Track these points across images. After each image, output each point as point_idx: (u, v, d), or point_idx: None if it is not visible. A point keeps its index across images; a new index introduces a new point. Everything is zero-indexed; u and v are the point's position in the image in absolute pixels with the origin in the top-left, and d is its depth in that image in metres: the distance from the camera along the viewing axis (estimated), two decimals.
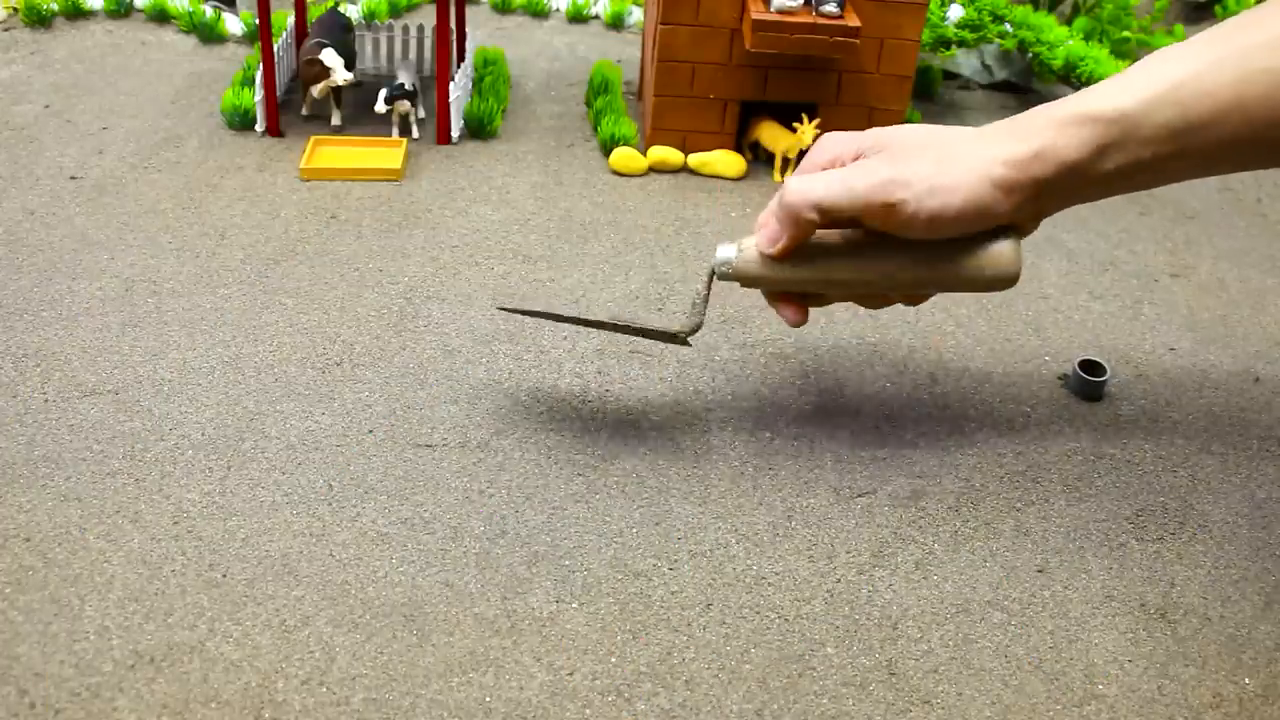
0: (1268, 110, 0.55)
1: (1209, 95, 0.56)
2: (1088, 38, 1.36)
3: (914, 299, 0.68)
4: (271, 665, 0.55)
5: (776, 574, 0.63)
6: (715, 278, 0.65)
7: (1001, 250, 0.61)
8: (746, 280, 0.65)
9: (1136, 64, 0.60)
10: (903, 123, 1.09)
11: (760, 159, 1.10)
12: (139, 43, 1.27)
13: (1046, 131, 0.59)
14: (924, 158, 0.59)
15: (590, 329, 0.77)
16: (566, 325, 0.82)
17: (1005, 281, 0.62)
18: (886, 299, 0.68)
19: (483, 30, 1.37)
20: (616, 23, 1.42)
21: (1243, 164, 0.60)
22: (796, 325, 0.66)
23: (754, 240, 0.64)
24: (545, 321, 0.83)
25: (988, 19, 1.28)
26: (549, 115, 1.17)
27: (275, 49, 1.07)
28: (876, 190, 0.58)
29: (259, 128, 1.08)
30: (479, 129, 1.11)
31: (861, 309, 0.88)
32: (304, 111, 1.11)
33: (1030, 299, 0.92)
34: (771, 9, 0.98)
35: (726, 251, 0.64)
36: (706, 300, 0.66)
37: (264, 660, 0.55)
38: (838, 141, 0.64)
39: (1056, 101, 0.61)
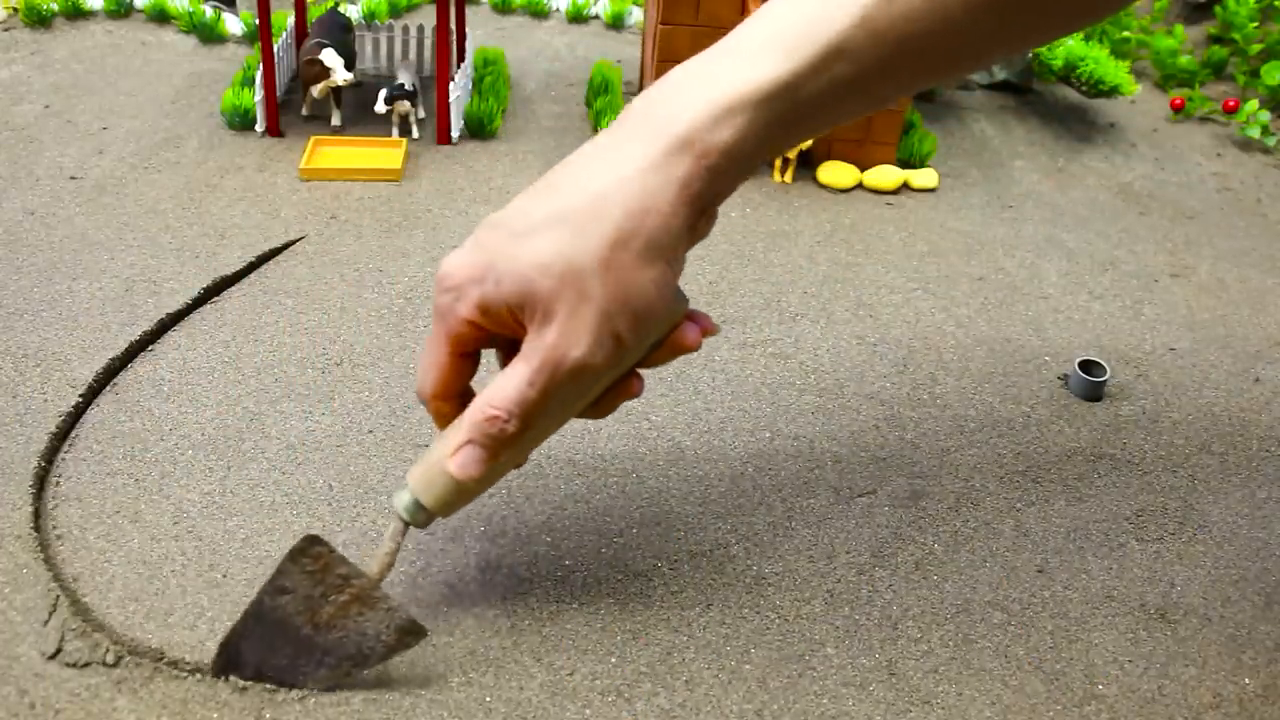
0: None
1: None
2: (1088, 38, 1.36)
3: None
4: None
5: (776, 574, 0.63)
6: (410, 526, 0.54)
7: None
8: (449, 510, 0.53)
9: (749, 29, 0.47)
10: (902, 124, 1.09)
11: None
12: (139, 43, 1.27)
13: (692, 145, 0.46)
14: (588, 294, 0.45)
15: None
16: None
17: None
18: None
19: (483, 30, 1.37)
20: (616, 23, 1.42)
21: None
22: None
23: (426, 470, 0.52)
24: None
25: None
26: (549, 115, 1.17)
27: (275, 49, 1.07)
28: (584, 376, 0.47)
29: (259, 128, 1.08)
30: (479, 129, 1.10)
31: (863, 310, 0.88)
32: (304, 111, 1.11)
33: (1030, 299, 0.92)
34: None
35: (402, 498, 0.53)
36: (392, 542, 0.54)
37: None
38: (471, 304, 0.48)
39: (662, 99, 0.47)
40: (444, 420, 0.53)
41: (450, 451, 0.50)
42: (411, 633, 0.54)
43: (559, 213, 0.45)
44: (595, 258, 0.44)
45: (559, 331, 0.45)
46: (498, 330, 0.48)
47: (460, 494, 0.52)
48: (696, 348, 0.50)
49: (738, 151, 0.45)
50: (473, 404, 0.49)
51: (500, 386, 0.48)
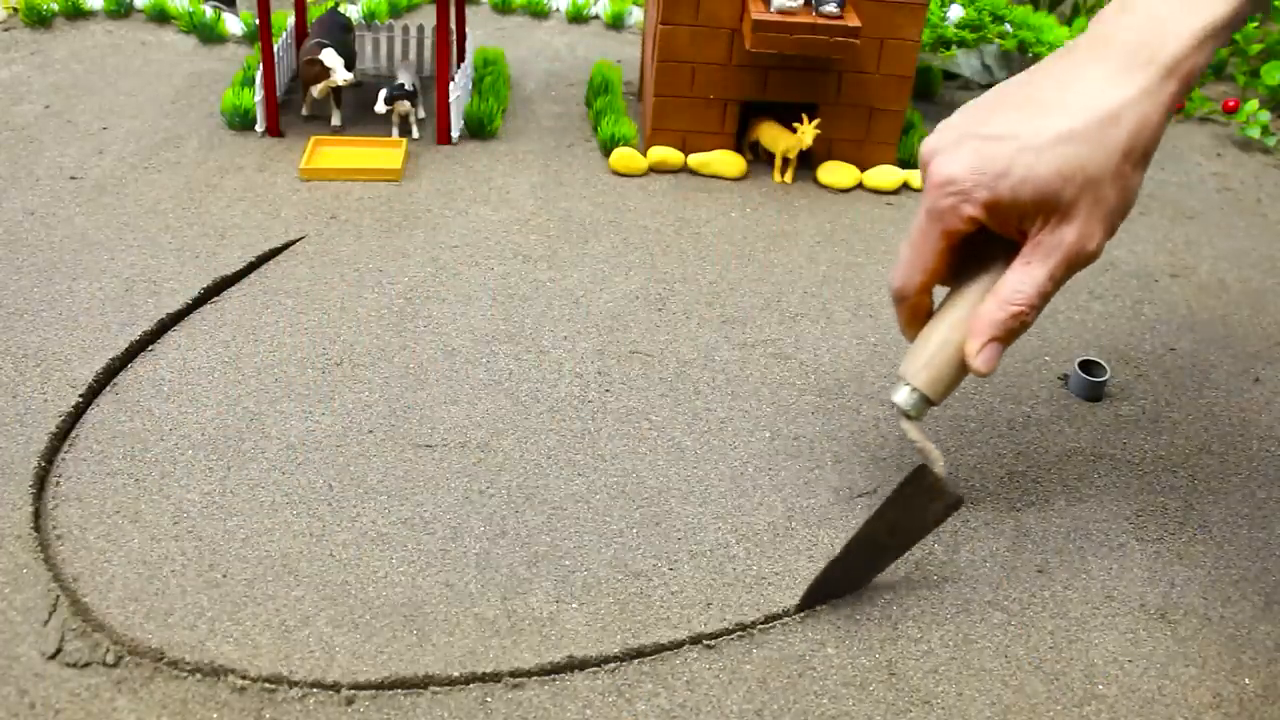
0: None
1: None
2: None
3: None
4: (271, 665, 0.55)
5: (776, 574, 0.63)
6: (912, 419, 0.60)
7: None
8: (944, 398, 0.60)
9: None
10: (902, 124, 1.09)
11: (760, 159, 1.10)
12: (139, 43, 1.27)
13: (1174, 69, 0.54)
14: (1098, 189, 0.54)
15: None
16: (566, 326, 0.82)
17: None
18: None
19: (483, 30, 1.37)
20: (616, 23, 1.42)
21: None
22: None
23: (934, 370, 0.58)
24: (545, 321, 0.83)
25: (988, 19, 1.28)
26: (549, 115, 1.17)
27: (275, 49, 1.07)
28: (1089, 257, 0.55)
29: (259, 128, 1.08)
30: (479, 129, 1.10)
31: (863, 310, 0.88)
32: (304, 111, 1.11)
33: None
34: (771, 9, 0.98)
35: (908, 396, 0.59)
36: (924, 438, 0.60)
37: (264, 660, 0.55)
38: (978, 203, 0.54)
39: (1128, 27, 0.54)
40: (917, 317, 0.60)
41: (974, 350, 0.56)
42: (953, 505, 0.60)
43: (1070, 131, 0.53)
44: (1110, 168, 0.53)
45: (1079, 230, 0.54)
46: (994, 227, 0.55)
47: (957, 383, 0.59)
48: None
49: (1201, 73, 0.54)
50: (986, 305, 0.56)
51: (1015, 285, 0.55)
